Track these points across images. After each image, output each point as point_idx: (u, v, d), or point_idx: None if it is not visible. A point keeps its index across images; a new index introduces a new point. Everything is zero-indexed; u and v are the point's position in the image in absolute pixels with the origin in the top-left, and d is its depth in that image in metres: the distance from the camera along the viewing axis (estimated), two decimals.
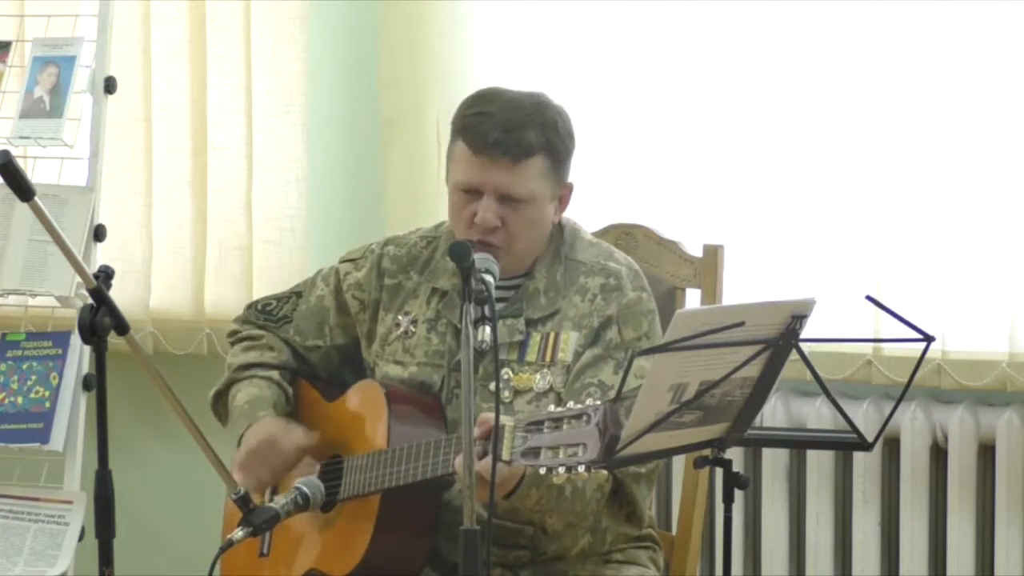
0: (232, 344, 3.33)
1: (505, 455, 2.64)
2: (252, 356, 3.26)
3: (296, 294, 3.31)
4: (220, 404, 3.27)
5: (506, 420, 2.67)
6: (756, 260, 3.95)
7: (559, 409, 2.59)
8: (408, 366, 3.13)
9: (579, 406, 2.55)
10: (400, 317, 3.17)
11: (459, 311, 3.08)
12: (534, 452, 2.59)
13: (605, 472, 2.93)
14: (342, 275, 3.25)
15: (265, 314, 3.31)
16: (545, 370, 3.05)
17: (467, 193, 3.03)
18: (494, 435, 2.61)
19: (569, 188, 3.12)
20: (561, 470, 2.54)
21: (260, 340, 3.28)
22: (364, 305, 3.22)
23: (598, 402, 2.55)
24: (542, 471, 2.58)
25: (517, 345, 3.06)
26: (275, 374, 3.23)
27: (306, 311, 3.27)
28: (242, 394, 3.20)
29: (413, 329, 3.15)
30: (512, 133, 2.98)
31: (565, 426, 2.55)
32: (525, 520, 2.96)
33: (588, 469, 2.52)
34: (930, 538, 3.90)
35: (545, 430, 2.58)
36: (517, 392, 3.03)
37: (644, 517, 3.07)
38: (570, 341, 3.05)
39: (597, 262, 3.12)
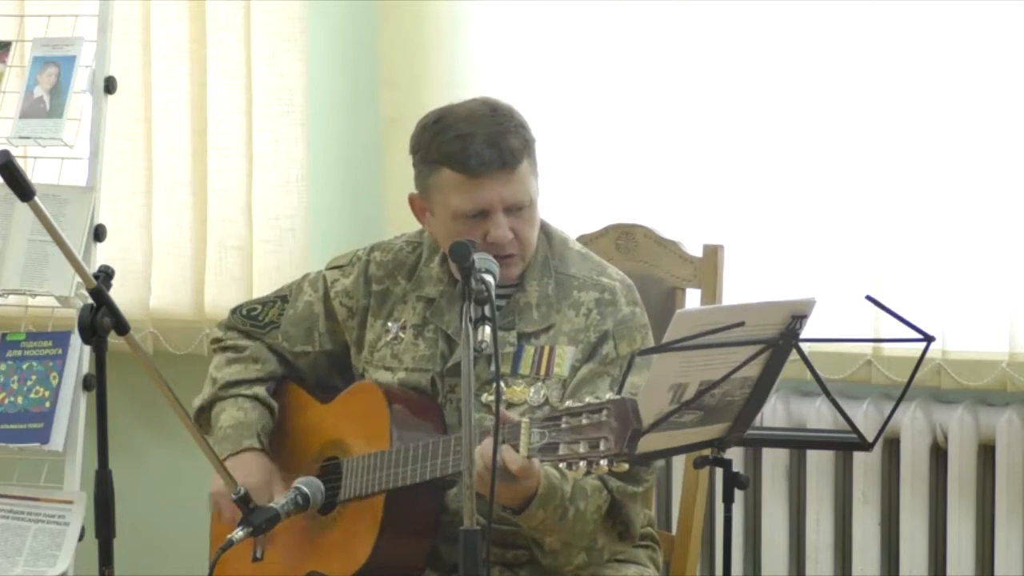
0: (215, 351, 3.32)
1: (523, 451, 2.64)
2: (235, 370, 3.25)
3: (281, 298, 3.29)
4: (203, 417, 3.26)
5: (522, 418, 2.68)
6: (756, 260, 3.95)
7: (577, 404, 2.58)
8: (396, 372, 3.12)
9: (597, 400, 2.55)
10: (390, 324, 3.17)
11: (448, 316, 3.09)
12: (552, 447, 2.59)
13: (606, 494, 2.93)
14: (329, 282, 3.24)
15: (251, 319, 3.29)
16: (539, 384, 3.04)
17: (470, 218, 3.00)
18: (495, 435, 2.61)
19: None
20: (582, 464, 2.54)
21: (243, 352, 3.27)
22: (352, 312, 3.21)
23: (617, 396, 2.54)
24: (562, 466, 2.58)
25: (509, 357, 3.04)
26: (260, 391, 3.22)
27: (294, 316, 3.26)
28: (226, 415, 3.19)
29: (402, 335, 3.15)
30: (499, 145, 2.96)
31: (584, 420, 2.55)
32: (523, 536, 2.95)
33: (610, 462, 2.51)
34: (930, 538, 3.90)
35: (563, 425, 2.58)
36: (510, 405, 3.00)
37: (636, 535, 3.06)
38: (566, 355, 3.05)
39: (590, 277, 3.10)
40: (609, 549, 3.02)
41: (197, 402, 3.26)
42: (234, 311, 3.33)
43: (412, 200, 3.11)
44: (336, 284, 3.23)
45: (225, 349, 3.29)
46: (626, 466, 2.52)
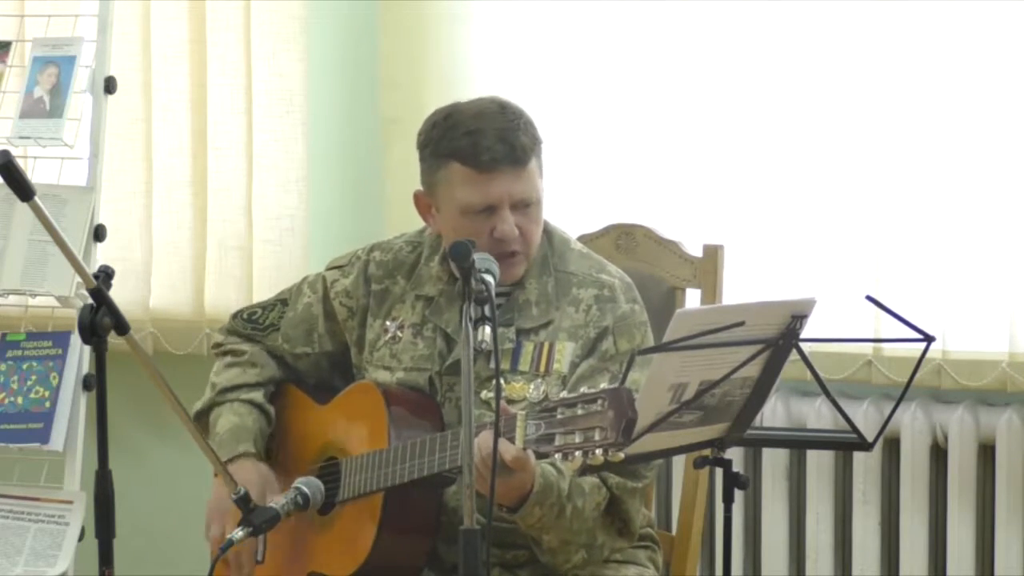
0: (216, 356, 3.32)
1: (518, 443, 2.64)
2: (233, 375, 3.24)
3: (281, 301, 3.30)
4: (201, 422, 3.25)
5: (517, 410, 2.68)
6: (756, 260, 3.95)
7: (572, 395, 2.58)
8: (395, 371, 3.13)
9: (592, 390, 2.54)
10: (388, 323, 3.17)
11: (447, 315, 3.09)
12: (548, 438, 2.59)
13: (605, 491, 2.93)
14: (329, 282, 3.24)
15: (251, 323, 3.29)
16: (539, 380, 3.04)
17: (477, 213, 3.01)
18: (495, 436, 2.61)
19: None
20: (577, 454, 2.53)
21: (242, 356, 3.27)
22: (352, 312, 3.21)
23: (612, 385, 2.54)
24: (557, 456, 2.58)
25: (508, 353, 3.05)
26: (257, 396, 3.22)
27: (294, 318, 3.26)
28: (223, 420, 3.19)
29: (400, 334, 3.15)
30: (509, 142, 2.98)
31: (579, 411, 2.54)
32: (522, 537, 2.95)
33: (605, 452, 2.51)
34: (930, 538, 3.90)
35: (559, 416, 2.58)
36: (510, 401, 2.99)
37: (636, 532, 3.05)
38: (565, 352, 3.05)
39: (589, 274, 3.11)
40: (609, 546, 3.02)
41: (197, 406, 3.26)
42: (235, 316, 3.33)
43: (417, 197, 3.11)
44: (336, 284, 3.23)
45: (225, 354, 3.29)
46: (622, 455, 2.52)
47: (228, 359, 3.28)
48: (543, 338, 3.06)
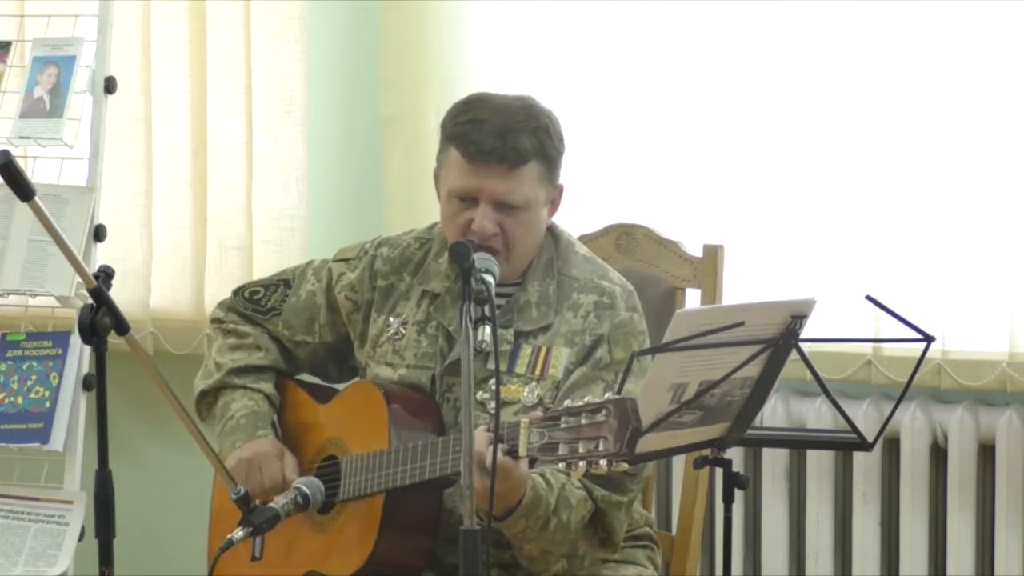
0: (216, 331, 3.32)
1: (522, 451, 2.64)
2: (240, 357, 3.25)
3: (284, 282, 3.30)
4: (204, 402, 3.26)
5: (521, 417, 2.68)
6: (756, 260, 3.95)
7: (577, 404, 2.58)
8: (397, 368, 3.13)
9: (597, 400, 2.54)
10: (391, 319, 3.17)
11: (451, 313, 3.09)
12: (552, 447, 2.59)
13: (591, 504, 2.93)
14: (335, 275, 3.24)
15: (253, 303, 3.29)
16: (534, 384, 3.04)
17: (462, 200, 3.02)
18: (495, 437, 2.61)
19: (560, 190, 3.11)
20: (581, 464, 2.53)
21: (246, 339, 3.27)
22: (357, 306, 3.22)
23: (617, 396, 2.54)
24: (561, 466, 2.58)
25: (506, 355, 3.04)
26: (267, 387, 3.23)
27: (296, 305, 3.26)
28: (238, 404, 3.20)
29: (403, 331, 3.15)
30: (506, 139, 2.98)
31: (584, 420, 2.54)
32: (503, 543, 2.95)
33: (609, 463, 2.50)
34: (930, 538, 3.90)
35: (563, 425, 2.58)
36: (504, 403, 2.99)
37: (619, 543, 3.04)
38: (561, 357, 3.04)
39: (591, 280, 3.10)
40: (590, 556, 3.01)
41: (201, 386, 3.26)
42: (236, 292, 3.33)
43: (434, 174, 3.13)
44: (342, 279, 3.23)
45: (227, 333, 3.30)
46: (626, 465, 2.52)
47: (232, 340, 3.28)
48: (541, 342, 3.06)
